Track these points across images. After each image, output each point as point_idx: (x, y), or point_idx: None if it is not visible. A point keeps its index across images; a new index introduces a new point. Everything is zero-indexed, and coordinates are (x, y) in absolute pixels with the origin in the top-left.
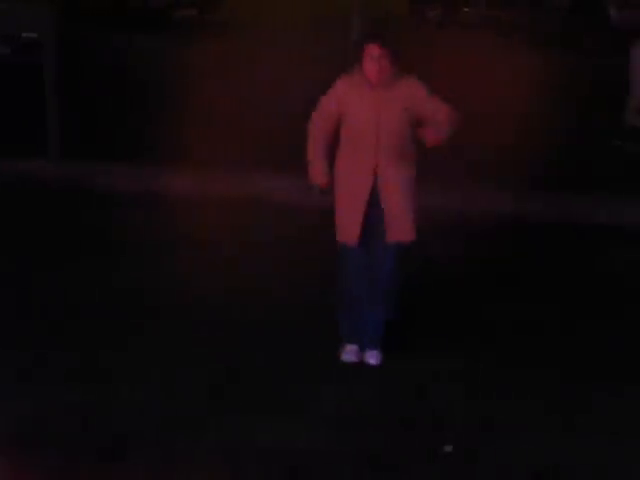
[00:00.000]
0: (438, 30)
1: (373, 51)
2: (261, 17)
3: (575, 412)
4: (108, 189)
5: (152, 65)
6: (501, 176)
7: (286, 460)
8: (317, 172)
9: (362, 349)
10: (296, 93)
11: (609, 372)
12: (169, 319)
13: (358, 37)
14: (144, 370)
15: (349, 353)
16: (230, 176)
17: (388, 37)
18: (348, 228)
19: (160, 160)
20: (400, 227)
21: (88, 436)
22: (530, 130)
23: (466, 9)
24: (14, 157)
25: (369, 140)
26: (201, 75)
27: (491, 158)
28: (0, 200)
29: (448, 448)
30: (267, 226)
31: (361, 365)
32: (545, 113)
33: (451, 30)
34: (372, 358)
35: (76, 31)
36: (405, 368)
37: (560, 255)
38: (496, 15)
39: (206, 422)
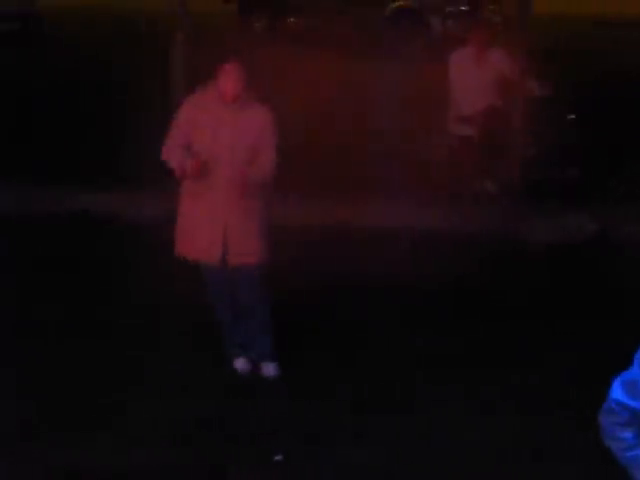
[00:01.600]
0: (263, 41)
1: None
2: None
3: None
4: None
5: None
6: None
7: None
8: None
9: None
10: None
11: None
12: None
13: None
14: None
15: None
16: None
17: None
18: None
19: None
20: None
21: None
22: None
23: (292, 19)
24: None
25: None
26: None
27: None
28: None
29: (278, 457)
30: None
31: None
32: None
33: (276, 41)
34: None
35: None
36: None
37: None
38: (319, 25)
39: None
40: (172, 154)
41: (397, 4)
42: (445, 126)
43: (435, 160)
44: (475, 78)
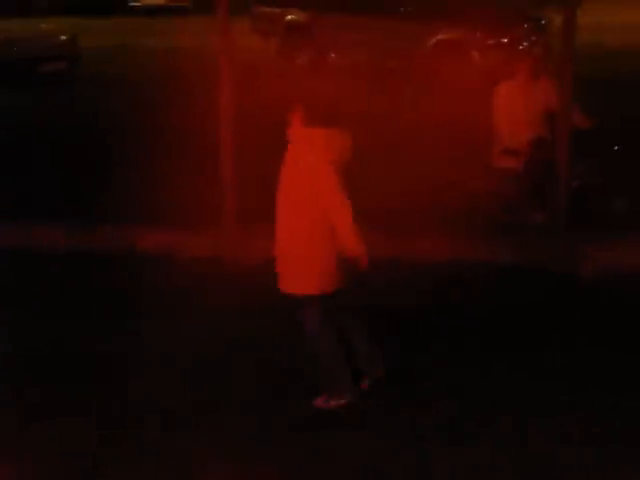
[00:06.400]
0: (307, 75)
1: None
2: None
3: None
4: None
5: None
6: None
7: None
8: None
9: None
10: None
11: None
12: None
13: None
14: None
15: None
16: None
17: None
18: None
19: None
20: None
21: None
22: None
23: (333, 55)
24: None
25: None
26: None
27: None
28: None
29: None
30: None
31: None
32: None
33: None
34: None
35: None
36: None
37: None
38: (362, 60)
39: None
40: None
41: (438, 37)
42: (489, 159)
43: (477, 192)
44: (522, 110)
